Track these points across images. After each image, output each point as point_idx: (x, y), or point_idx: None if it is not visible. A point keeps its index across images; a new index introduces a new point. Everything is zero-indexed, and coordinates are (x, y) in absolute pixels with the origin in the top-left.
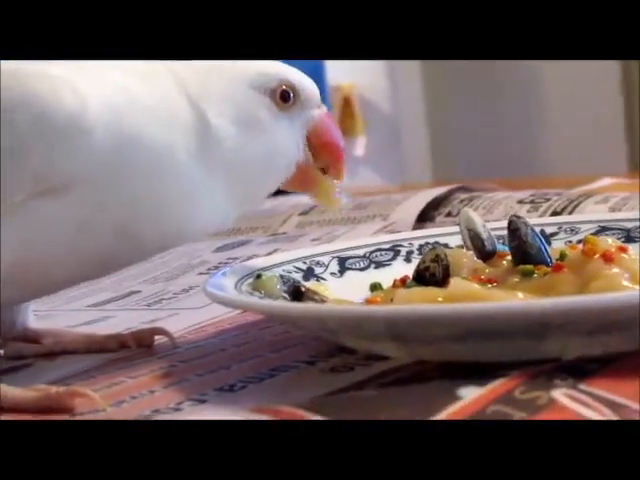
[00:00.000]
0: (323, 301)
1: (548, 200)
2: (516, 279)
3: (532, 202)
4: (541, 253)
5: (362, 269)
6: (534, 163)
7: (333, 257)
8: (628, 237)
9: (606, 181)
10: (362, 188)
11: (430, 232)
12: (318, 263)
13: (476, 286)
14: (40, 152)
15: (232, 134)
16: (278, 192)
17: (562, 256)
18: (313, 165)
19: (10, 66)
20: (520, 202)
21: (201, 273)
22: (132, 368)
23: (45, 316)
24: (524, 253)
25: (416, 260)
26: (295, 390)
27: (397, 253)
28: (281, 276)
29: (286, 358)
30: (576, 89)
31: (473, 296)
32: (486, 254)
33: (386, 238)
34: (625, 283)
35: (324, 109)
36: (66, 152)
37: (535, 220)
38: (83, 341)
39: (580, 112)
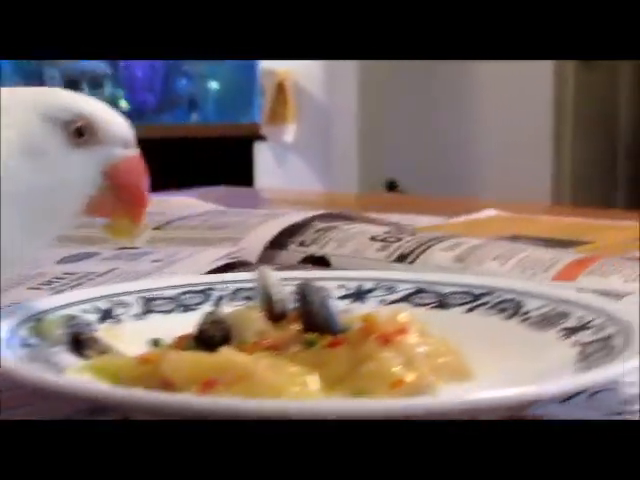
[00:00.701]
0: (103, 351)
1: (399, 240)
2: (297, 348)
3: (384, 240)
4: (329, 321)
5: (168, 312)
6: (453, 178)
7: (140, 297)
8: (441, 303)
9: (491, 212)
10: (278, 192)
11: (246, 276)
12: (122, 303)
13: (243, 359)
14: None
15: (14, 164)
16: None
17: (344, 328)
18: (109, 201)
19: None
20: (372, 239)
21: (32, 288)
22: None
23: None
24: (311, 320)
25: (226, 307)
26: None
27: (208, 297)
28: (72, 318)
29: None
30: (510, 109)
31: (239, 369)
32: (277, 316)
33: (202, 279)
34: (396, 369)
35: (135, 151)
36: None
37: (354, 274)
38: None
39: (512, 136)
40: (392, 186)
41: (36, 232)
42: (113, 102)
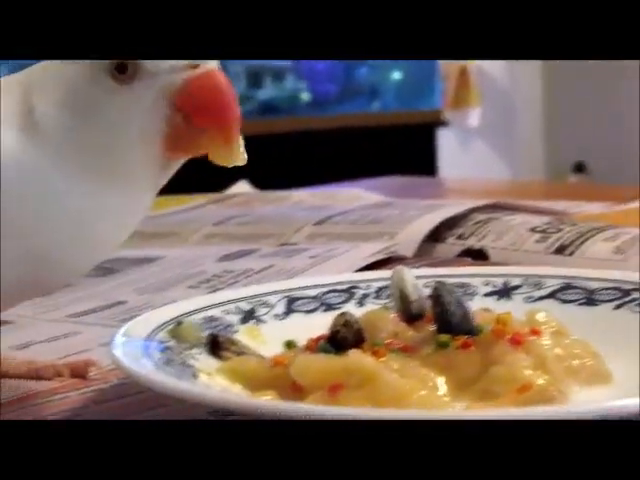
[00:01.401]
0: (241, 353)
1: (559, 231)
2: (430, 349)
3: (543, 231)
4: (464, 322)
5: (309, 312)
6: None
7: (283, 297)
8: (589, 299)
9: None
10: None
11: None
12: (264, 303)
13: (369, 362)
14: None
15: (59, 118)
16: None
17: (479, 329)
18: (190, 134)
19: None
20: (532, 230)
21: (191, 286)
22: (47, 406)
23: (26, 324)
24: (446, 322)
25: (370, 305)
26: None
27: (351, 295)
28: (213, 319)
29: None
30: None
31: (365, 372)
32: (413, 317)
33: (345, 277)
34: (524, 373)
35: (205, 68)
36: None
37: (503, 269)
38: (23, 368)
39: None
40: (579, 168)
41: (117, 191)
42: (295, 94)
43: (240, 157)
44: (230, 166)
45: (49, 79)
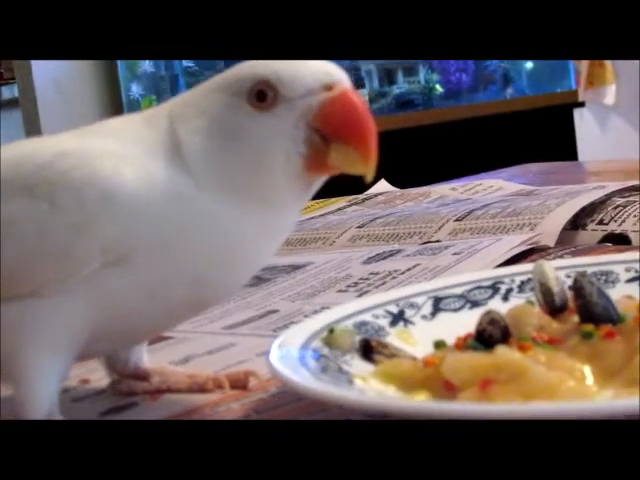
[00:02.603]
0: (393, 355)
1: None
2: (576, 340)
3: None
4: (607, 311)
5: (456, 310)
6: None
7: (429, 297)
8: None
9: None
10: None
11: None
12: (412, 305)
13: (518, 357)
14: (107, 226)
15: (205, 147)
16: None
17: (622, 318)
18: (329, 153)
19: (69, 144)
20: None
21: (340, 291)
22: (212, 418)
23: (185, 339)
24: (589, 312)
25: (514, 299)
26: None
27: (496, 291)
28: (364, 324)
29: None
30: None
31: (514, 367)
32: (556, 309)
33: (489, 274)
34: None
35: (339, 89)
36: (130, 225)
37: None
38: (185, 382)
39: None
40: None
41: (263, 212)
42: (429, 86)
43: (372, 168)
44: (368, 179)
45: (191, 110)
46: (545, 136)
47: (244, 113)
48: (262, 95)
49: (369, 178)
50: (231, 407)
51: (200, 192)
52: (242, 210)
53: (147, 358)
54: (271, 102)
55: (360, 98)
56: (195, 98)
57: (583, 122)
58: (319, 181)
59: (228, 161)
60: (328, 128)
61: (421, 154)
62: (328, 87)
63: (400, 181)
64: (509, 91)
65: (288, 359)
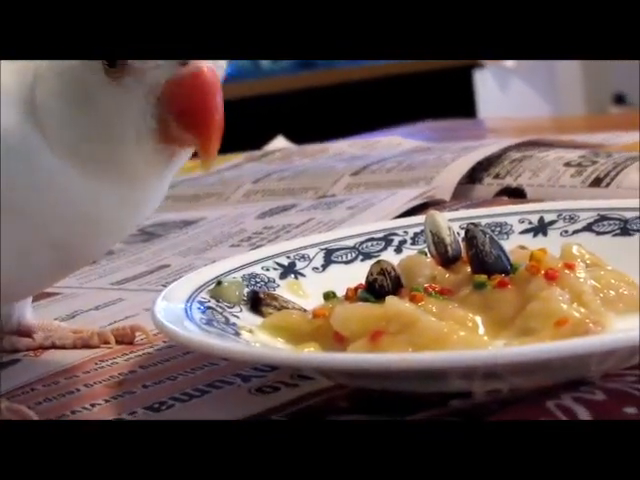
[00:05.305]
0: (282, 307)
1: (594, 163)
2: (467, 291)
3: (579, 165)
4: (500, 261)
5: (348, 262)
6: None
7: (321, 249)
8: (624, 229)
9: None
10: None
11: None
12: (303, 257)
13: (408, 307)
14: None
15: (60, 112)
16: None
17: (514, 267)
18: (176, 130)
19: None
20: (567, 164)
21: (233, 245)
22: (96, 373)
23: (72, 295)
24: (481, 262)
25: (407, 251)
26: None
27: (389, 243)
28: (253, 276)
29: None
30: None
31: (404, 317)
32: (449, 259)
33: (382, 225)
34: (560, 306)
35: (194, 68)
36: None
37: (538, 206)
38: (70, 337)
39: None
40: (620, 99)
41: (116, 180)
42: None
43: (209, 165)
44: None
45: (53, 70)
46: (445, 97)
47: (97, 81)
48: (112, 62)
49: (206, 168)
50: (116, 362)
51: (52, 157)
52: (97, 181)
53: (32, 314)
54: (121, 70)
55: (216, 79)
56: (53, 62)
57: (484, 83)
58: (184, 153)
59: (81, 130)
60: (170, 109)
61: (322, 114)
62: (182, 63)
63: (298, 141)
64: None
65: (173, 312)
